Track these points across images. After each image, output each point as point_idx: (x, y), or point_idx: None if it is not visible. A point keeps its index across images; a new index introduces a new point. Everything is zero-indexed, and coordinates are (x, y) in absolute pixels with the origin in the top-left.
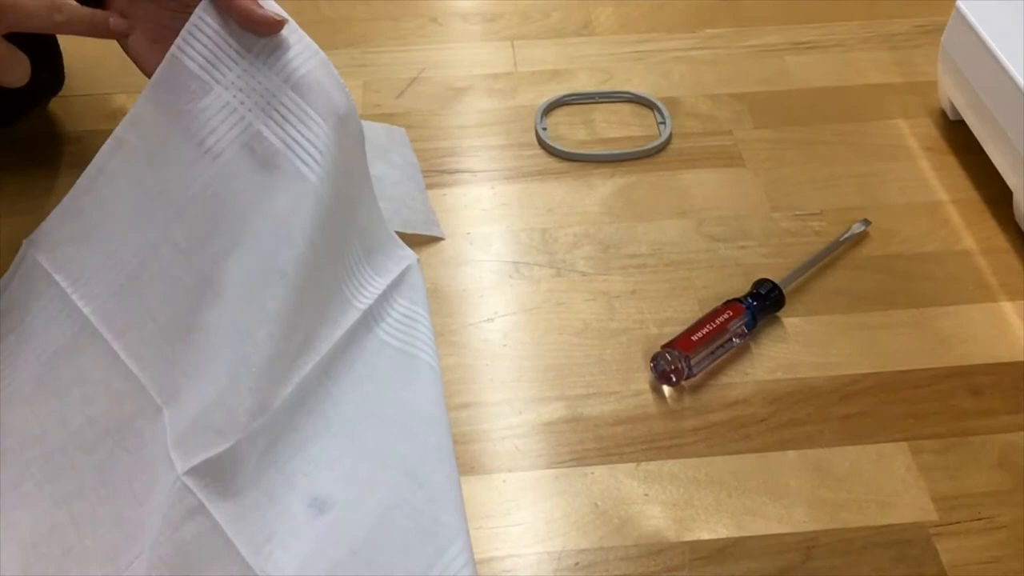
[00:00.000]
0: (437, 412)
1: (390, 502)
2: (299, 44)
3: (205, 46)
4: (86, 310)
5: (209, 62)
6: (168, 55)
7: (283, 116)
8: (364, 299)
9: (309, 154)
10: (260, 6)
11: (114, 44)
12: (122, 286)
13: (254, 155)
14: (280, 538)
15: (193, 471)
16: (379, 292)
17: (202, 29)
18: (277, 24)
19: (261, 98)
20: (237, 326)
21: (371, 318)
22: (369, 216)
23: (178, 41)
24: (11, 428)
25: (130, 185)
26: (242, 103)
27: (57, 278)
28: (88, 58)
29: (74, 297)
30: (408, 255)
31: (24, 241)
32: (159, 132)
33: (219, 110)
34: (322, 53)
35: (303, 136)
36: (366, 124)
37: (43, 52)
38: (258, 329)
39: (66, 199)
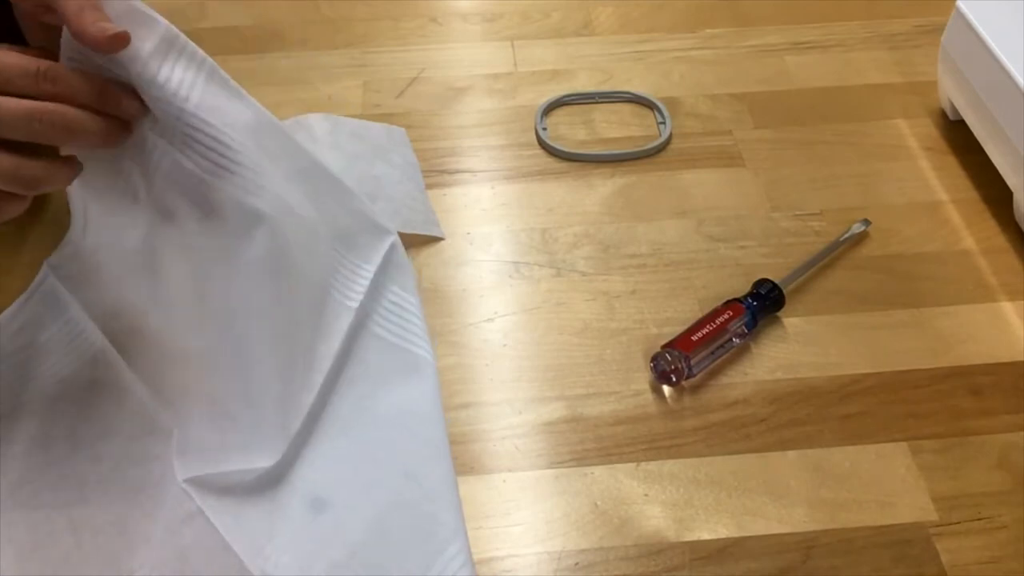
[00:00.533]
0: (433, 409)
1: (389, 501)
2: (183, 58)
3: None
4: (100, 342)
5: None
6: None
7: (199, 143)
8: (354, 295)
9: (243, 176)
10: (94, 18)
11: None
12: (131, 325)
13: (187, 190)
14: (279, 540)
15: (193, 478)
16: (368, 282)
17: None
18: (118, 39)
19: (168, 128)
20: (240, 357)
21: (363, 313)
22: (335, 200)
23: None
24: (14, 437)
25: (108, 237)
26: (160, 136)
27: (72, 309)
28: None
29: (88, 329)
30: (386, 230)
31: (45, 262)
32: (98, 185)
33: (137, 149)
34: (209, 60)
35: (229, 160)
36: (366, 124)
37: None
38: (262, 357)
39: (67, 238)
